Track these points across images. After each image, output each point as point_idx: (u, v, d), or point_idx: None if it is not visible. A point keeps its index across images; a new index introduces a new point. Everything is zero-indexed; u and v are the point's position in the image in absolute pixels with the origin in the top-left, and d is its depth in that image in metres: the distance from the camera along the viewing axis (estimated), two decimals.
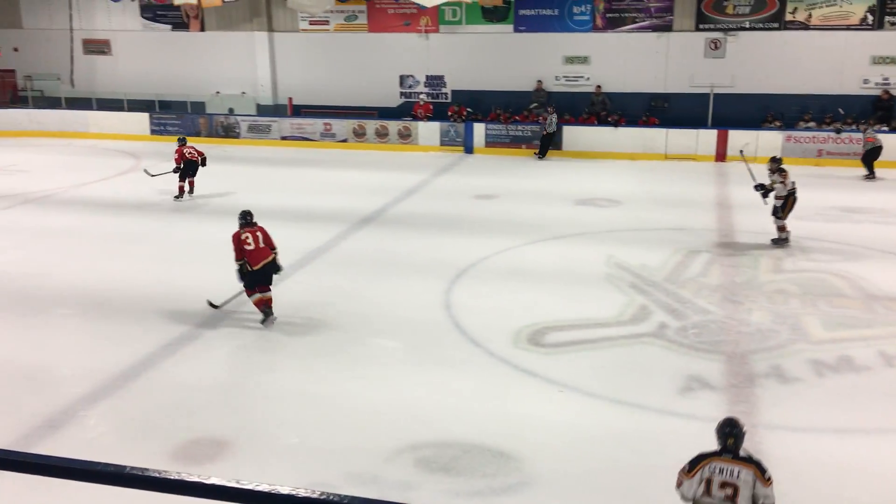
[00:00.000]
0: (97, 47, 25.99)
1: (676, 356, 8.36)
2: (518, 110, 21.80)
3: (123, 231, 13.45)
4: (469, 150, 21.38)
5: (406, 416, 7.10)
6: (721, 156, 19.70)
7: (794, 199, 12.19)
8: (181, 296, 10.18)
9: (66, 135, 23.64)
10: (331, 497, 1.44)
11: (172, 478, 1.49)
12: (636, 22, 21.30)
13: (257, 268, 9.19)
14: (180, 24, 24.97)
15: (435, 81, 23.14)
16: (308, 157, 20.92)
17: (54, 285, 10.66)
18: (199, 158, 15.68)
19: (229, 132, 23.14)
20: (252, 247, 9.19)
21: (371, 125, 22.16)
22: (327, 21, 23.53)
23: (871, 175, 17.60)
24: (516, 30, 22.16)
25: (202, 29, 24.87)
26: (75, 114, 24.12)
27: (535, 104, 21.87)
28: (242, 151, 21.64)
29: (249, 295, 9.34)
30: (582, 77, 21.85)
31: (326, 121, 22.48)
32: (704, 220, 13.95)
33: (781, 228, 12.31)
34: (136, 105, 24.39)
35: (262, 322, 9.23)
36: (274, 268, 9.37)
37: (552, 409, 7.26)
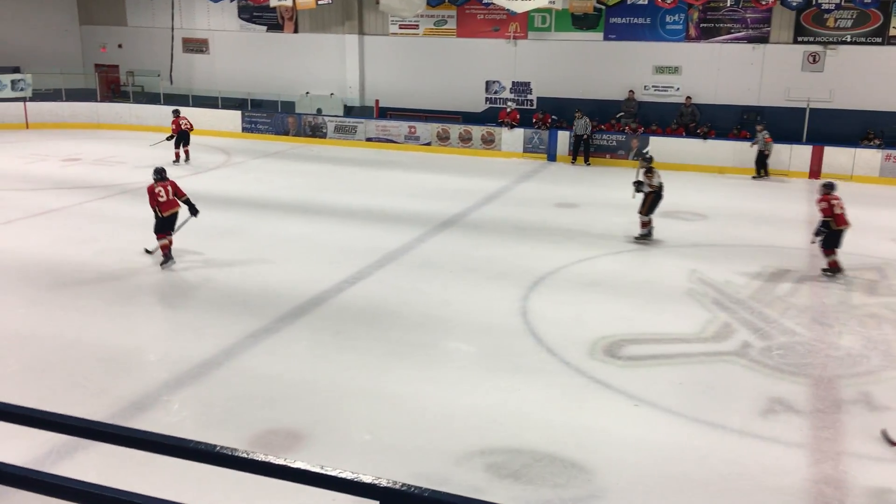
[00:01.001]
0: (196, 46, 26.96)
1: (759, 377, 8.09)
2: (604, 119, 21.55)
3: (212, 224, 13.86)
4: (552, 157, 21.25)
5: (478, 420, 7.09)
6: (815, 173, 19.01)
7: (658, 198, 13.01)
8: (264, 290, 10.44)
9: (162, 129, 24.52)
10: (412, 489, 1.45)
11: (259, 459, 1.52)
12: (731, 32, 20.77)
13: (166, 215, 11.24)
14: (275, 25, 25.66)
15: (521, 87, 23.10)
16: (392, 158, 21.17)
17: (144, 273, 11.08)
18: (191, 128, 19.10)
19: (316, 132, 23.62)
20: (164, 198, 11.20)
21: (455, 129, 22.27)
22: (417, 25, 23.78)
23: (760, 175, 19.14)
24: (606, 38, 21.92)
25: (296, 30, 25.49)
26: (172, 109, 25.00)
27: (622, 114, 21.57)
28: (328, 151, 22.06)
29: (159, 239, 11.20)
30: (672, 87, 21.44)
31: (411, 124, 22.71)
32: (795, 239, 13.48)
33: (643, 224, 13.12)
34: (229, 103, 25.17)
35: (162, 265, 11.11)
36: (191, 212, 11.54)
37: (627, 423, 7.13)
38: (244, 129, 24.20)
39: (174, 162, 18.29)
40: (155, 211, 11.16)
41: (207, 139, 23.43)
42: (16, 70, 25.75)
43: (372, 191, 16.98)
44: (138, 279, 10.85)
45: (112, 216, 14.28)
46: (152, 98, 26.20)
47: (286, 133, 23.80)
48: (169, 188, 11.29)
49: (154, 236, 11.36)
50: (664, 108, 21.40)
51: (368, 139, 23.03)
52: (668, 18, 21.18)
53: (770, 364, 8.39)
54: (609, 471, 6.28)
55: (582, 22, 22.00)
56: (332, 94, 24.85)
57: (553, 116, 22.03)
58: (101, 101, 26.13)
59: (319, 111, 24.20)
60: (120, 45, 27.78)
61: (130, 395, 7.38)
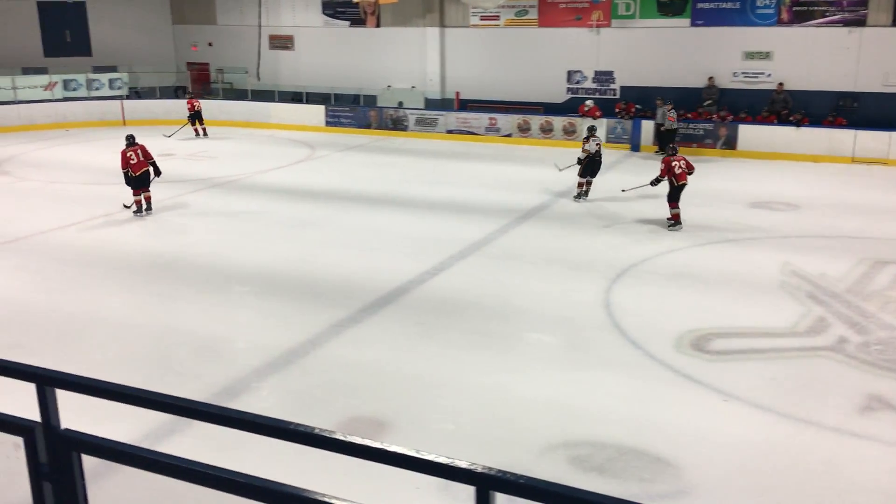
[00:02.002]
0: (281, 43, 27.56)
1: (857, 373, 7.75)
2: (691, 107, 21.00)
3: (298, 216, 14.19)
4: (636, 147, 20.85)
5: (561, 412, 7.03)
6: None
7: (593, 162, 14.92)
8: (348, 280, 10.61)
9: (249, 125, 25.25)
10: (508, 475, 1.44)
11: (356, 442, 1.54)
12: (826, 16, 19.90)
13: (137, 174, 13.72)
14: (358, 20, 25.98)
15: (603, 77, 22.73)
16: (472, 150, 21.17)
17: (235, 264, 11.42)
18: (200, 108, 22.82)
19: (398, 125, 23.83)
20: (135, 161, 13.69)
21: (536, 121, 22.10)
22: (498, 16, 23.68)
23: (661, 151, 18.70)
24: (693, 24, 21.33)
25: (378, 25, 25.75)
26: (259, 105, 25.72)
27: (709, 101, 20.97)
28: (410, 144, 22.23)
29: (135, 195, 13.81)
30: (762, 73, 20.71)
31: (492, 115, 22.65)
32: (893, 229, 12.85)
33: (578, 185, 15.18)
34: (313, 98, 25.65)
35: (135, 213, 13.73)
36: (155, 172, 13.96)
37: (715, 419, 6.94)
38: (328, 123, 24.62)
39: (196, 136, 22.17)
40: (126, 172, 13.75)
41: (292, 133, 23.94)
42: (113, 69, 26.88)
43: (453, 182, 17.02)
44: (228, 269, 11.18)
45: (203, 209, 14.75)
46: (240, 94, 26.94)
47: (368, 126, 24.09)
48: (139, 151, 13.78)
49: (130, 193, 13.93)
50: (754, 95, 20.70)
51: (449, 131, 23.09)
52: (758, 2, 20.45)
53: (868, 360, 8.03)
54: (698, 467, 6.13)
55: (668, 8, 21.47)
56: (413, 87, 25.01)
57: (637, 105, 21.60)
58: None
59: (401, 104, 24.40)
60: (210, 44, 28.65)
61: (222, 382, 7.62)
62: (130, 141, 13.87)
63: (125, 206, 13.87)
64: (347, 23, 26.24)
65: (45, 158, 19.31)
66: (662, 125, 20.08)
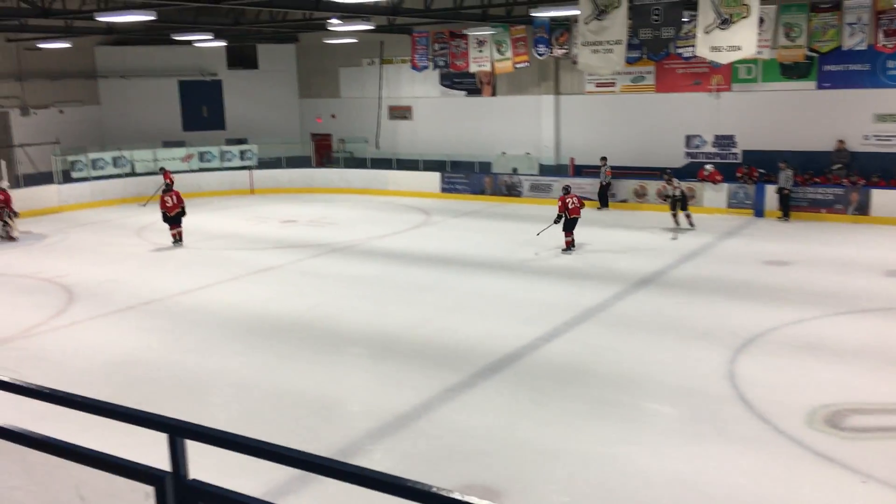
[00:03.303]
0: (400, 113, 28.55)
1: None
2: (818, 171, 20.18)
3: (413, 280, 14.41)
4: (759, 213, 20.13)
5: (684, 489, 6.70)
6: None
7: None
8: (462, 344, 10.62)
9: (368, 192, 26.08)
10: None
11: (473, 502, 1.51)
12: None
13: (171, 214, 17.64)
14: (474, 89, 26.62)
15: (724, 141, 22.22)
16: (587, 216, 20.97)
17: (350, 327, 11.67)
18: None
19: (512, 191, 24.01)
20: (170, 204, 17.63)
21: (653, 186, 21.76)
22: (614, 82, 23.71)
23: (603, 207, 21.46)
24: (819, 86, 20.63)
25: (493, 94, 26.29)
26: (377, 173, 26.57)
27: (839, 165, 20.10)
28: (524, 209, 22.31)
29: (171, 230, 17.74)
30: None
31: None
32: None
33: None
34: (429, 165, 26.27)
35: (174, 243, 17.70)
36: (182, 214, 17.73)
37: (854, 502, 6.43)
38: (443, 190, 25.10)
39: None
40: (163, 212, 17.75)
41: (409, 199, 24.53)
42: (244, 141, 28.53)
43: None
44: (345, 331, 11.42)
45: (323, 273, 15.22)
46: (360, 163, 27.94)
47: (483, 192, 24.39)
48: (174, 196, 17.70)
49: (168, 229, 17.79)
50: (887, 159, 19.68)
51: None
52: (889, 64, 19.61)
53: None
54: None
55: (792, 71, 20.90)
56: (527, 153, 25.23)
57: (760, 170, 20.94)
58: (315, 167, 28.26)
59: (515, 170, 24.62)
60: (333, 116, 30.02)
61: (337, 443, 7.71)
62: (169, 187, 17.63)
63: (174, 243, 17.86)
64: (464, 92, 26.93)
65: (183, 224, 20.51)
66: (785, 189, 19.39)
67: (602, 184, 21.94)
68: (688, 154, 22.82)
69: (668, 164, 22.70)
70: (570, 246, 16.17)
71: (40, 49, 26.05)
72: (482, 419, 8.29)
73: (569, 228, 16.10)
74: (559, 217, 16.12)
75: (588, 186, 22.55)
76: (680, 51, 21.11)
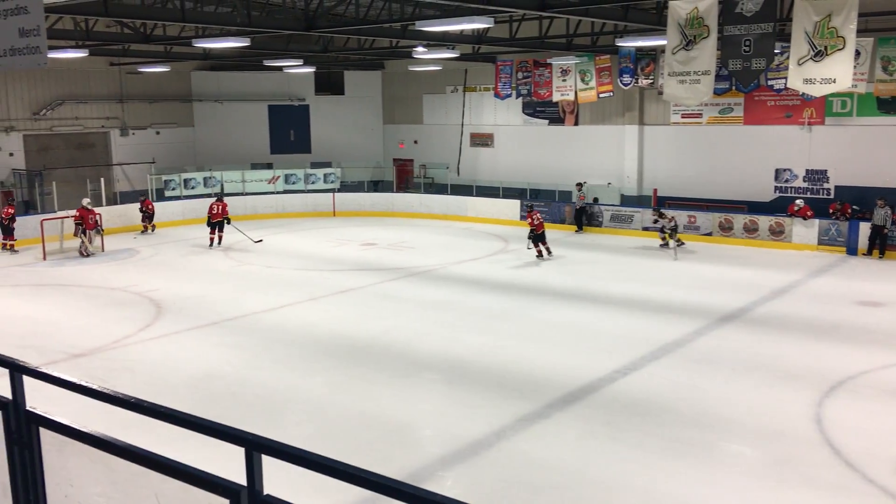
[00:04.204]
0: (482, 140, 28.72)
1: None
2: None
3: (489, 307, 14.37)
4: (852, 251, 19.34)
5: None
6: None
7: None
8: (536, 374, 10.51)
9: (447, 217, 26.24)
10: None
11: None
12: None
13: (214, 221, 20.67)
14: (556, 118, 26.58)
15: (816, 176, 21.50)
16: (669, 248, 20.59)
17: (425, 351, 11.70)
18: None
19: (592, 221, 23.76)
20: (215, 211, 20.69)
21: (739, 219, 21.20)
22: (700, 114, 23.29)
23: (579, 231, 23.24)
24: None
25: (576, 123, 26.18)
26: (457, 199, 26.73)
27: None
28: (604, 240, 22.04)
29: (210, 234, 20.67)
30: None
31: (691, 213, 22.02)
32: None
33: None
34: (509, 192, 26.27)
35: (210, 247, 20.48)
36: (225, 221, 20.74)
37: None
38: (522, 218, 24.99)
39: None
40: (208, 218, 20.72)
41: (488, 227, 24.55)
42: (328, 164, 29.19)
43: (647, 280, 16.57)
44: (420, 356, 11.46)
45: (400, 296, 15.35)
46: (440, 189, 28.18)
47: (562, 221, 24.21)
48: (220, 206, 20.73)
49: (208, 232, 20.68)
50: None
51: (645, 228, 22.67)
52: None
53: None
54: None
55: (889, 105, 20.10)
56: (608, 183, 24.96)
57: (853, 206, 20.15)
58: (396, 191, 28.63)
59: (596, 200, 24.38)
60: (416, 142, 30.43)
61: (409, 467, 7.71)
62: (218, 197, 20.09)
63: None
64: (546, 121, 26.90)
65: (263, 246, 21.07)
66: (884, 226, 18.60)
67: (576, 207, 23.47)
68: (777, 188, 22.17)
69: (756, 199, 22.17)
70: (540, 254, 18.87)
71: (141, 73, 27.38)
72: (554, 451, 8.16)
73: (536, 241, 18.92)
74: (531, 232, 18.88)
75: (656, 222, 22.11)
76: (771, 83, 20.61)
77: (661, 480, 7.45)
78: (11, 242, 20.18)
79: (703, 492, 7.20)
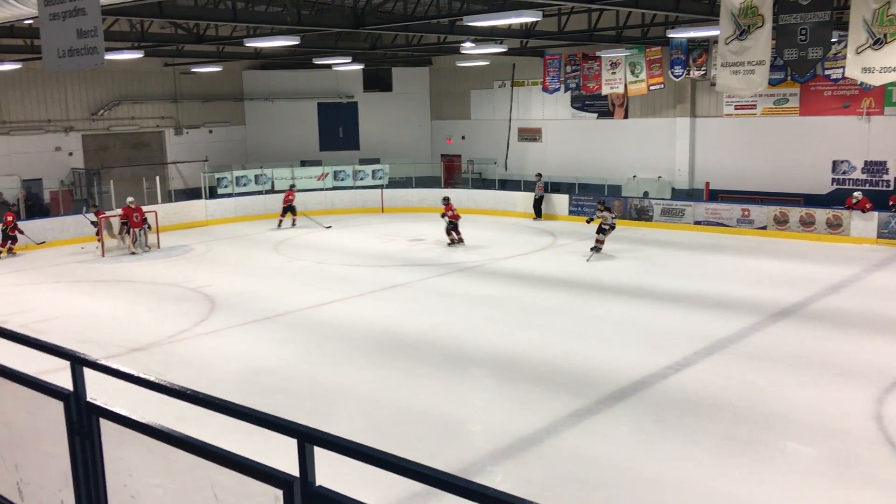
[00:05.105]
0: (530, 135, 28.58)
1: None
2: None
3: (538, 303, 14.30)
4: None
5: None
6: None
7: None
8: (586, 370, 10.43)
9: (494, 212, 26.18)
10: None
11: None
12: None
13: (284, 206, 23.02)
14: (605, 112, 26.31)
15: (875, 167, 20.90)
16: (722, 242, 20.24)
17: (474, 347, 11.70)
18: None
19: (642, 215, 23.47)
20: (291, 199, 23.13)
21: (795, 212, 20.72)
22: (754, 105, 22.82)
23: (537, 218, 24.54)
24: None
25: (626, 116, 25.88)
26: (505, 194, 26.65)
27: None
28: (654, 234, 21.76)
29: (281, 216, 23.22)
30: None
31: (745, 206, 21.59)
32: None
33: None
34: (557, 187, 26.10)
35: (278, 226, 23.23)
36: (290, 210, 23.37)
37: None
38: (570, 212, 24.84)
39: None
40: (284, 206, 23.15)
41: (536, 222, 24.41)
42: (376, 161, 29.37)
43: (699, 275, 16.31)
44: (469, 351, 11.47)
45: (449, 292, 15.37)
46: (488, 184, 28.12)
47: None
48: (292, 196, 23.36)
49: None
50: None
51: (697, 222, 22.31)
52: None
53: None
54: None
55: None
56: (659, 177, 24.63)
57: None
58: (444, 187, 28.64)
59: (646, 194, 24.07)
60: (463, 137, 30.43)
61: (457, 462, 7.72)
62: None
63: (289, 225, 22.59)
64: (595, 115, 26.65)
65: (313, 241, 21.32)
66: None
67: (536, 197, 24.79)
68: (834, 180, 21.61)
69: (812, 192, 21.66)
70: (453, 242, 20.05)
71: (194, 73, 27.90)
72: (606, 448, 8.09)
73: (452, 229, 20.10)
74: (450, 222, 20.12)
75: (724, 212, 21.72)
76: (828, 72, 20.11)
77: (715, 478, 7.33)
78: (12, 247, 19.74)
79: (757, 490, 7.06)
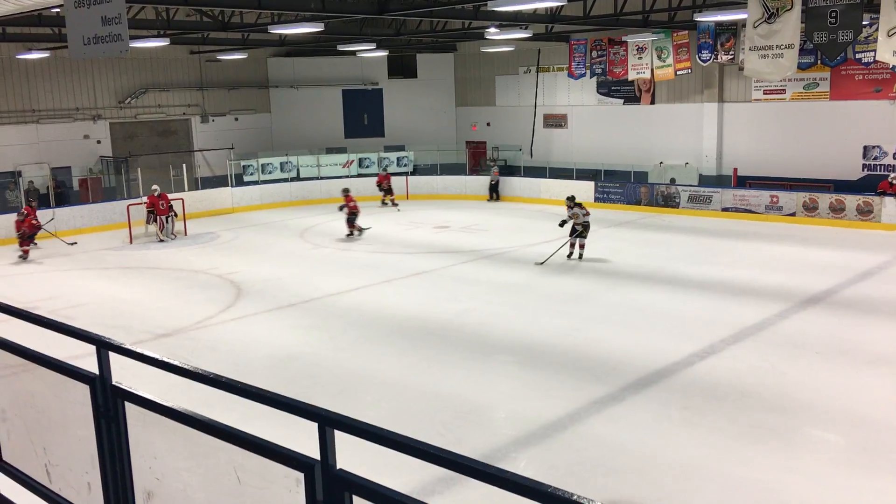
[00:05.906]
0: (555, 121, 28.40)
1: None
2: None
3: (563, 290, 14.26)
4: None
5: None
6: None
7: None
8: (611, 356, 10.39)
9: (520, 199, 26.12)
10: None
11: None
12: None
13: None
14: (632, 97, 26.06)
15: None
16: (750, 229, 20.02)
17: (499, 334, 11.69)
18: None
19: (669, 202, 23.27)
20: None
21: (824, 199, 20.42)
22: (783, 90, 22.47)
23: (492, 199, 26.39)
24: None
25: (652, 102, 25.62)
26: (530, 181, 26.55)
27: None
28: (681, 221, 21.57)
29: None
30: None
31: (773, 193, 21.33)
32: None
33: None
34: (583, 174, 25.95)
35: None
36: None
37: None
38: (596, 199, 24.68)
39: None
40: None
41: (561, 208, 24.26)
42: (401, 148, 29.37)
43: (727, 262, 16.15)
44: (494, 338, 11.47)
45: (473, 279, 15.37)
46: (513, 171, 28.01)
47: (638, 203, 23.79)
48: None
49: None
50: None
51: (724, 209, 22.08)
52: None
53: None
54: None
55: None
56: (686, 163, 24.38)
57: None
58: (469, 174, 28.60)
59: (673, 180, 23.85)
60: (488, 124, 30.32)
61: (482, 448, 7.74)
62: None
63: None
64: (621, 101, 26.41)
65: (338, 229, 21.38)
66: None
67: (491, 182, 26.77)
68: (865, 166, 21.25)
69: (842, 178, 21.33)
70: (351, 234, 20.12)
71: (219, 61, 28.04)
72: (630, 434, 8.06)
73: (351, 222, 20.13)
74: (351, 214, 20.13)
75: (753, 199, 21.45)
76: (859, 56, 19.75)
77: (741, 466, 7.27)
78: (26, 248, 18.72)
79: (784, 478, 7.01)
